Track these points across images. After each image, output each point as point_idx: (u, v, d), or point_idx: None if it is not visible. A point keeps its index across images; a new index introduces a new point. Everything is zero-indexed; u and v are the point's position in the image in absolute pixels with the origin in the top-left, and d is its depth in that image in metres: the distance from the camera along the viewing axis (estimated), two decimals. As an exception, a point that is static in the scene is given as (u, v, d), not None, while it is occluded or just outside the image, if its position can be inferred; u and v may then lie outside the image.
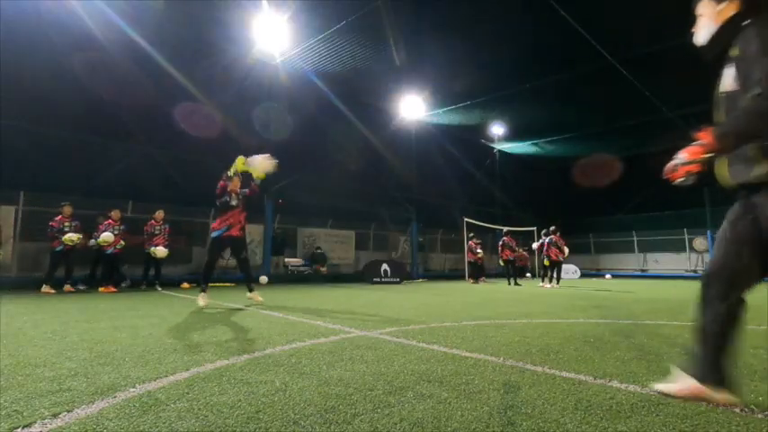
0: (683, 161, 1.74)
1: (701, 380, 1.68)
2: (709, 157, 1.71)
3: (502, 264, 13.54)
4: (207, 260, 5.61)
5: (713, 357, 1.67)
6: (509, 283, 12.38)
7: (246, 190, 5.78)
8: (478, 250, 13.69)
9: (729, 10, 1.74)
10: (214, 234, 5.55)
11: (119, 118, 10.52)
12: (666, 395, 1.81)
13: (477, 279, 13.70)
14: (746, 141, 1.61)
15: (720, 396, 1.66)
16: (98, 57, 9.74)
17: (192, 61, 11.42)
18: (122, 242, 8.58)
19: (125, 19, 9.86)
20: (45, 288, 7.62)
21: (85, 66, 9.59)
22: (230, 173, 5.49)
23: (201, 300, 5.32)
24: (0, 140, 8.90)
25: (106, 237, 8.17)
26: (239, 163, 5.40)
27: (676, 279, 17.72)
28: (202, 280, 5.55)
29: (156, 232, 9.09)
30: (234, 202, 5.58)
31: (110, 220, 8.57)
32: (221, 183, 5.53)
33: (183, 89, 11.20)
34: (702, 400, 1.70)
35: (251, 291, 5.77)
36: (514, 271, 12.98)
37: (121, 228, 8.67)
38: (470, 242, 13.64)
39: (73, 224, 8.05)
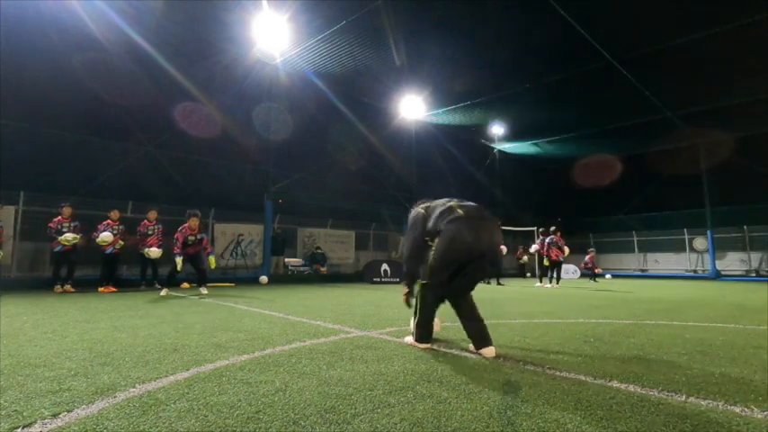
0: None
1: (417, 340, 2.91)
2: (409, 286, 3.12)
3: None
4: (172, 268, 7.51)
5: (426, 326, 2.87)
6: (498, 283, 12.39)
7: (205, 237, 7.87)
8: None
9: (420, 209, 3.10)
10: (176, 254, 7.39)
11: (119, 118, 10.51)
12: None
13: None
14: (410, 274, 3.15)
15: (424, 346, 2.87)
16: (98, 57, 9.74)
17: (192, 61, 11.42)
18: (121, 242, 8.58)
19: (125, 19, 9.86)
20: (57, 288, 7.80)
21: (85, 66, 9.59)
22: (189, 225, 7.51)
23: (164, 291, 7.35)
24: (0, 140, 8.91)
25: (105, 236, 8.18)
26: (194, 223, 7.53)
27: (676, 279, 17.72)
28: (167, 280, 7.60)
29: (150, 233, 9.03)
30: (190, 241, 7.54)
31: (108, 221, 8.58)
32: (178, 235, 7.42)
33: (183, 89, 11.20)
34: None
35: (202, 285, 7.85)
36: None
37: (120, 228, 8.67)
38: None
39: (72, 225, 8.03)
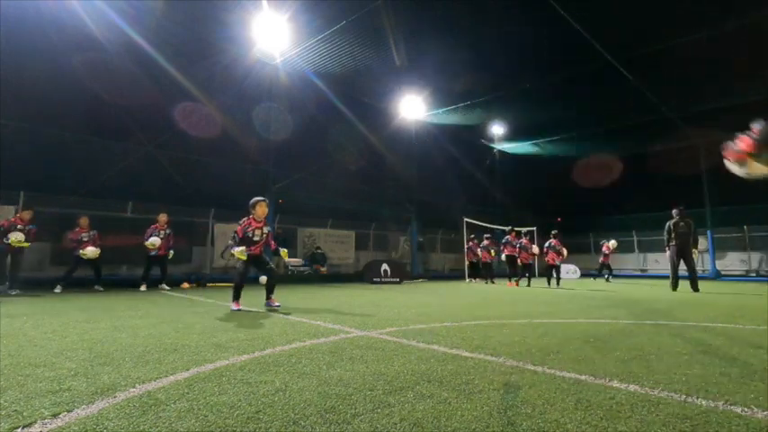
0: (736, 148, 1.71)
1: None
2: (753, 154, 1.66)
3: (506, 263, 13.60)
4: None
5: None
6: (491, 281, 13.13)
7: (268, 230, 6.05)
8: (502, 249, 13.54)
9: None
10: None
11: (119, 118, 10.51)
12: None
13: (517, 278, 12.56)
14: None
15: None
16: (98, 57, 9.73)
17: (192, 61, 11.41)
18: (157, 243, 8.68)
19: (125, 19, 9.85)
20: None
21: (85, 66, 9.59)
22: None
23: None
24: (0, 140, 8.90)
25: (153, 241, 8.55)
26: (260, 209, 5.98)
27: (676, 279, 17.70)
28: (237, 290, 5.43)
29: (85, 239, 8.32)
30: (256, 238, 5.77)
31: (156, 225, 8.81)
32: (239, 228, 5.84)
33: (183, 89, 11.19)
34: None
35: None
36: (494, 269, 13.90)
37: (167, 232, 8.87)
38: (510, 236, 12.69)
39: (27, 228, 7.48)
